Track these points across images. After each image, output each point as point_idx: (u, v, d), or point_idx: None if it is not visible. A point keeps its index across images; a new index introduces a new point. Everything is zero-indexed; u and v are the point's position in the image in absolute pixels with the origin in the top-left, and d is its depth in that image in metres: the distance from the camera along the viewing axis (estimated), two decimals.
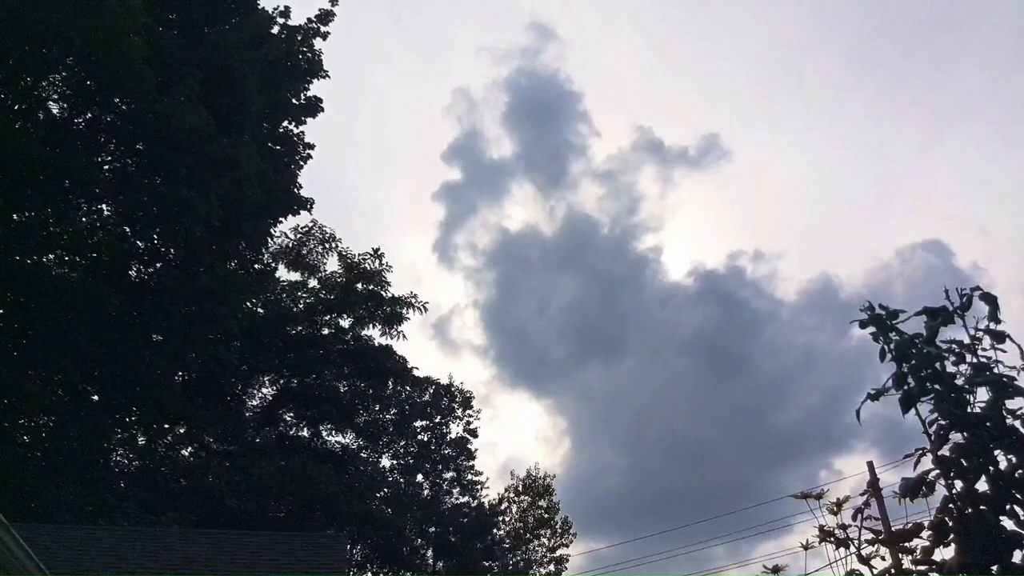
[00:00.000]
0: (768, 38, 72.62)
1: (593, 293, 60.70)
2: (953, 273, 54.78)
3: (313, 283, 32.70)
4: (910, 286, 55.65)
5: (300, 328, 31.81)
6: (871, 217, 69.71)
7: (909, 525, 3.82)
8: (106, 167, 21.32)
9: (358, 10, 70.18)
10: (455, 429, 34.73)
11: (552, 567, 37.77)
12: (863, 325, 4.11)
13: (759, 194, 75.49)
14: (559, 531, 38.97)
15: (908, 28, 68.42)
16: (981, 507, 3.58)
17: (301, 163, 26.00)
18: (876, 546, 3.99)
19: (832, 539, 4.13)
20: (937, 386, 3.86)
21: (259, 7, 23.98)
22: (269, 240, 27.65)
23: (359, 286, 32.20)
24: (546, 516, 39.20)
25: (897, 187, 68.52)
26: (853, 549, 4.03)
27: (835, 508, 4.22)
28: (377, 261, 32.25)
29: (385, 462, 33.11)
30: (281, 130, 25.79)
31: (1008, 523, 3.54)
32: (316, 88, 25.54)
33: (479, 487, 34.95)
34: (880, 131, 69.49)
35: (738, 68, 73.13)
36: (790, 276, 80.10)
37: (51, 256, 21.22)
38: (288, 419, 31.97)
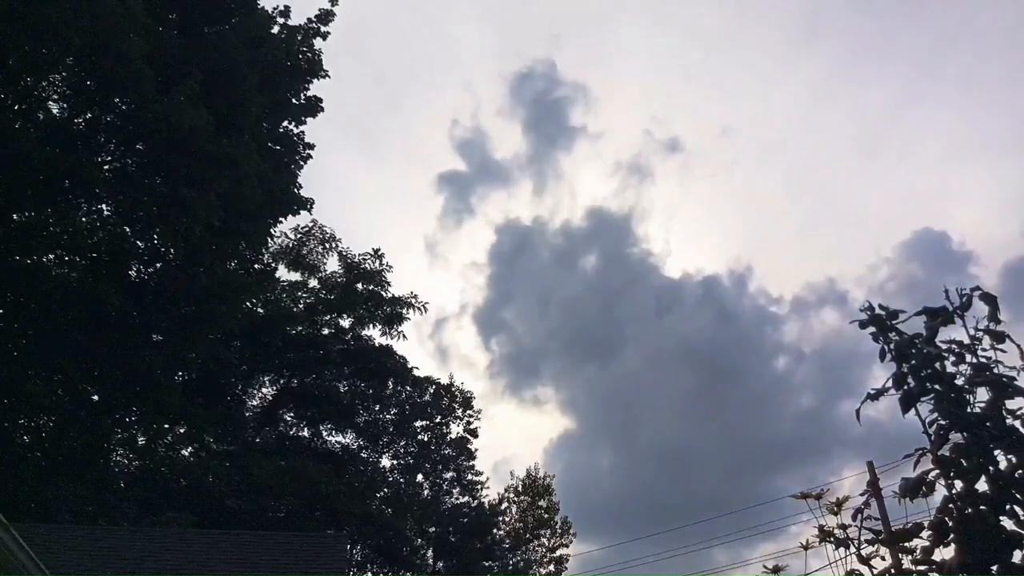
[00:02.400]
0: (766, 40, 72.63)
1: (592, 295, 60.76)
2: (953, 259, 55.04)
3: (313, 283, 32.76)
4: (912, 281, 55.76)
5: (300, 328, 31.82)
6: (872, 216, 69.78)
7: (909, 525, 3.82)
8: (106, 167, 21.32)
9: (360, 6, 70.04)
10: (455, 429, 34.79)
11: (552, 567, 37.80)
12: (863, 325, 4.10)
13: (759, 198, 75.46)
14: (559, 531, 39.01)
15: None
16: (981, 507, 3.58)
17: (301, 163, 26.00)
18: (876, 546, 3.98)
19: (832, 539, 4.12)
20: (937, 386, 3.86)
21: (259, 7, 23.97)
22: (269, 240, 27.65)
23: (359, 286, 32.22)
24: (546, 516, 39.23)
25: (898, 184, 68.58)
26: (853, 549, 4.03)
27: (835, 508, 4.22)
28: (377, 261, 32.31)
29: (385, 462, 33.17)
30: (281, 130, 25.78)
31: (1008, 523, 3.53)
32: (316, 88, 25.59)
33: (479, 487, 35.00)
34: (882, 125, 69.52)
35: (744, 66, 73.12)
36: (791, 277, 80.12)
37: (51, 256, 21.22)
38: (288, 419, 31.98)
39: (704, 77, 75.83)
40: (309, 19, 25.27)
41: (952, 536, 3.61)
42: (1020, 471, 3.57)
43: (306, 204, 25.76)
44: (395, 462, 33.31)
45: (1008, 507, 3.54)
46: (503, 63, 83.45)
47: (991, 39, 62.53)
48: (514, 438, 66.90)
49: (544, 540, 38.67)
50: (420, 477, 33.94)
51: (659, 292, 60.12)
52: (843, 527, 4.12)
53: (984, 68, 64.52)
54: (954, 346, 3.91)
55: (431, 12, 74.48)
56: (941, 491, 3.70)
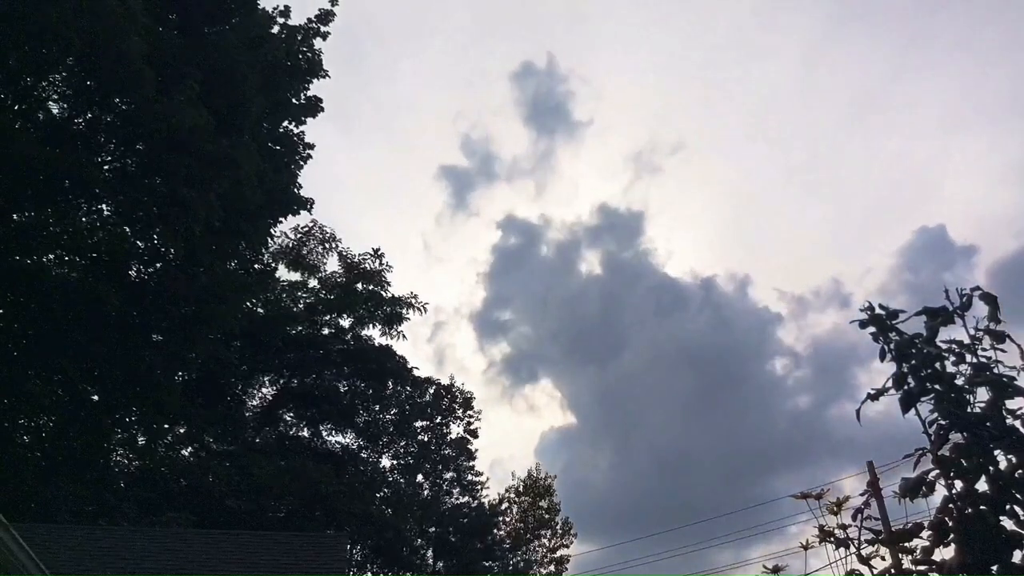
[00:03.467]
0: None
1: (593, 295, 60.77)
2: (953, 256, 54.96)
3: (313, 283, 32.77)
4: (913, 283, 55.76)
5: (300, 328, 31.83)
6: (874, 214, 69.74)
7: (909, 525, 3.82)
8: (106, 167, 21.32)
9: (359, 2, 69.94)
10: (455, 429, 34.80)
11: (552, 567, 37.80)
12: (863, 325, 4.11)
13: (759, 202, 75.36)
14: (559, 532, 39.01)
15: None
16: (981, 507, 3.58)
17: (301, 163, 26.02)
18: (876, 546, 3.99)
19: (832, 539, 4.12)
20: (937, 386, 3.86)
21: (259, 7, 23.97)
22: (269, 240, 27.65)
23: (359, 286, 32.23)
24: (546, 516, 39.24)
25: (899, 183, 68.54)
26: (853, 549, 4.03)
27: (835, 508, 4.22)
28: (377, 261, 32.32)
29: (385, 462, 33.18)
30: (281, 130, 25.79)
31: (1008, 523, 3.53)
32: (316, 88, 25.60)
33: (479, 487, 35.01)
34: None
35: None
36: (793, 278, 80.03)
37: (51, 256, 21.22)
38: (288, 419, 31.98)
39: (703, 70, 75.69)
40: (309, 19, 25.30)
41: (952, 536, 3.61)
42: (1020, 471, 3.57)
43: (306, 204, 25.77)
44: (395, 462, 33.34)
45: (1008, 507, 3.54)
46: (506, 58, 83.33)
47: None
48: (510, 438, 66.89)
49: (544, 540, 38.69)
50: (420, 477, 33.96)
51: (660, 292, 60.18)
52: (843, 527, 4.12)
53: (982, 32, 64.02)
54: (954, 346, 3.91)
55: (432, 6, 74.46)
56: (941, 491, 3.71)
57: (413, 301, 32.35)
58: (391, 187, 76.17)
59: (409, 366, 33.11)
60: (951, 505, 3.65)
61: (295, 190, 25.62)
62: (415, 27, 74.30)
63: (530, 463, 58.85)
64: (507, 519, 37.86)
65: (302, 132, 26.01)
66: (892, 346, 4.01)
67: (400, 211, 74.21)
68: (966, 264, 55.47)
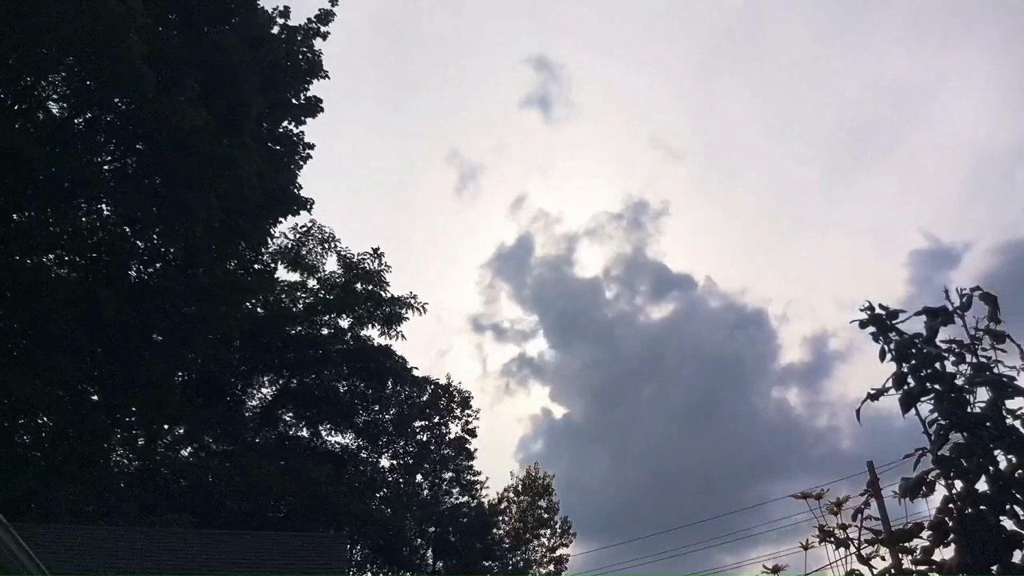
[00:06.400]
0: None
1: (595, 295, 60.78)
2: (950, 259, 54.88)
3: (313, 283, 32.72)
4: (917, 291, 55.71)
5: (300, 328, 31.80)
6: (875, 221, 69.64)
7: (909, 525, 3.82)
8: (106, 167, 21.32)
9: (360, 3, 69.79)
10: (454, 429, 34.79)
11: (552, 567, 37.82)
12: (863, 325, 4.11)
13: (763, 214, 75.26)
14: (559, 531, 39.04)
15: None
16: (981, 507, 3.58)
17: (301, 163, 26.02)
18: (876, 546, 3.99)
19: (832, 539, 4.13)
20: (937, 386, 3.86)
21: (259, 7, 23.97)
22: (269, 240, 27.64)
23: (358, 286, 32.19)
24: (546, 516, 39.26)
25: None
26: (853, 549, 4.03)
27: (835, 508, 4.23)
28: (376, 261, 32.28)
29: (385, 462, 33.15)
30: (281, 130, 25.79)
31: (1008, 523, 3.53)
32: (316, 88, 25.61)
33: (479, 487, 35.01)
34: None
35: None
36: (796, 281, 79.91)
37: (51, 256, 21.22)
38: (288, 419, 31.96)
39: (705, 68, 75.63)
40: (309, 19, 25.32)
41: (952, 536, 3.61)
42: (1020, 471, 3.57)
43: (306, 204, 25.77)
44: (394, 462, 33.33)
45: (1008, 507, 3.54)
46: (511, 52, 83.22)
47: None
48: (509, 438, 66.88)
49: (544, 540, 38.71)
50: (419, 477, 33.95)
51: (662, 291, 60.19)
52: (843, 527, 4.12)
53: None
54: (954, 346, 3.91)
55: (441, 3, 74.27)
56: (941, 491, 3.71)
57: (412, 301, 32.34)
58: (391, 184, 76.13)
59: (408, 366, 33.12)
60: (951, 505, 3.65)
61: (295, 190, 25.62)
62: (418, 18, 74.21)
63: (528, 463, 58.70)
64: (506, 519, 37.88)
65: (302, 132, 26.05)
66: (892, 346, 4.01)
67: (400, 209, 74.20)
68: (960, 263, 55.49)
